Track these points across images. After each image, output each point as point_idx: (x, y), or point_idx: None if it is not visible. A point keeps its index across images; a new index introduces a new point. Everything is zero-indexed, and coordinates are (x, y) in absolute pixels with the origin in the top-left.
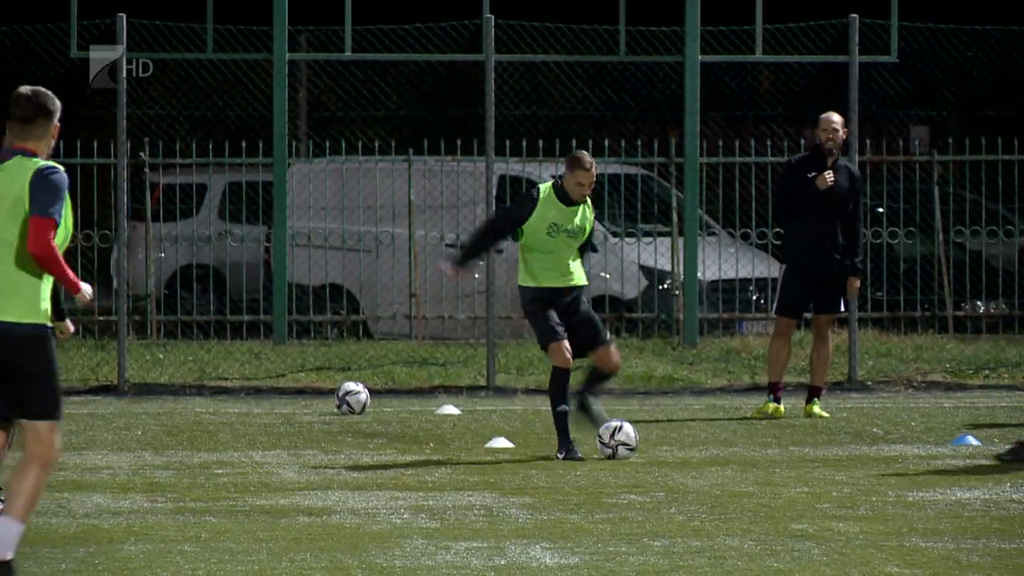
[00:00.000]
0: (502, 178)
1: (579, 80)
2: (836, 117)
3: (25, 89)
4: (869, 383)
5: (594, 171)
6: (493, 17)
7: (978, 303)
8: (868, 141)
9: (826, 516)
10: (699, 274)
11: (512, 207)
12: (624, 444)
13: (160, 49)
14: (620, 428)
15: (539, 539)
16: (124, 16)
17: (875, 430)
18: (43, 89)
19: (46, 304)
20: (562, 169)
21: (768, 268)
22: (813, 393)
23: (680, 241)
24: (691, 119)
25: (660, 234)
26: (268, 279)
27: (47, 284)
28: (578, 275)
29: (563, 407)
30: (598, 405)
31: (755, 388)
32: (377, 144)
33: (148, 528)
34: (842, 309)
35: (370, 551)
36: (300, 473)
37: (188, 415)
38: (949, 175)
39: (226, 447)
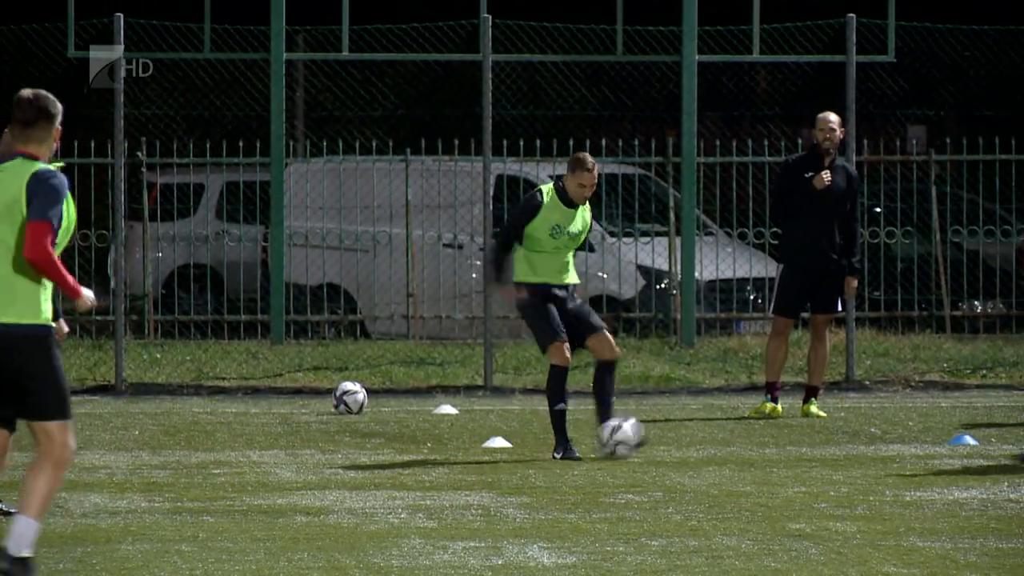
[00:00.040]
0: (499, 178)
1: (576, 80)
2: (833, 117)
3: (26, 92)
4: (867, 383)
5: (596, 173)
6: (490, 17)
7: (975, 303)
8: (865, 141)
9: (823, 516)
10: (696, 274)
11: (518, 214)
12: (623, 443)
13: (157, 49)
14: (619, 427)
15: (537, 539)
16: (121, 16)
17: (872, 430)
18: (44, 92)
19: (47, 305)
20: (560, 169)
21: (765, 268)
22: (810, 393)
23: (677, 241)
24: (688, 119)
25: (657, 234)
26: (265, 279)
27: (48, 285)
28: (572, 274)
29: (560, 406)
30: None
31: (753, 388)
32: (374, 144)
33: (146, 528)
34: (839, 309)
35: (368, 551)
36: (298, 473)
37: (185, 415)
38: (946, 175)
39: (223, 447)
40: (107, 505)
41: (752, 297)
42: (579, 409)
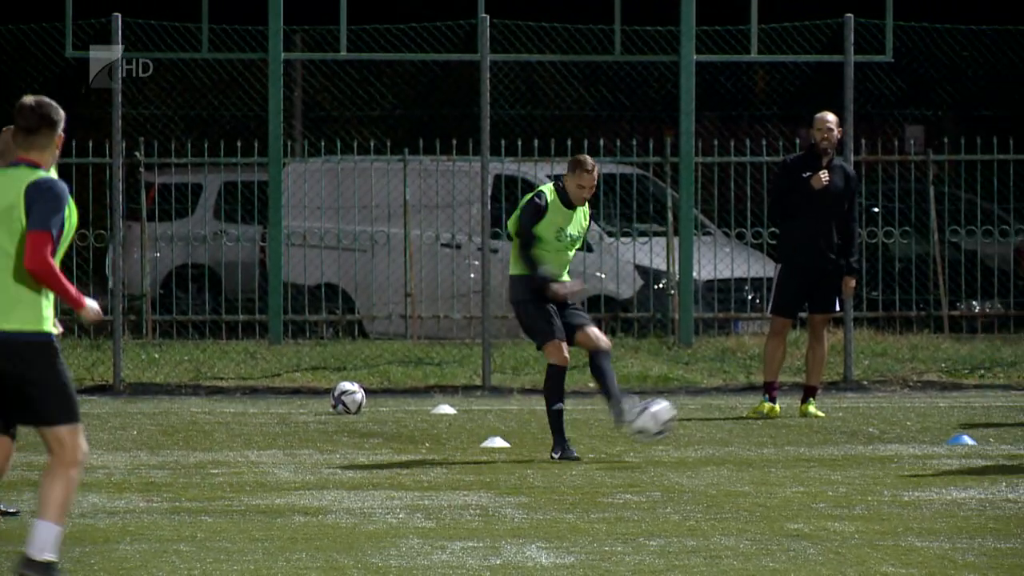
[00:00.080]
0: (497, 178)
1: (574, 80)
2: (831, 117)
3: (29, 99)
4: (865, 383)
5: (595, 174)
6: (488, 17)
7: (973, 303)
8: (863, 141)
9: (822, 516)
10: (695, 274)
11: (527, 220)
12: (641, 432)
13: (155, 49)
14: (645, 410)
15: (535, 539)
16: (119, 16)
17: (871, 430)
18: (47, 99)
19: (49, 312)
20: (558, 169)
21: (763, 268)
22: (808, 393)
23: (675, 241)
24: (686, 119)
25: (655, 234)
26: (264, 279)
27: (50, 292)
28: (565, 273)
29: (558, 406)
30: (633, 413)
31: (751, 388)
32: (372, 144)
33: (144, 528)
34: (838, 309)
35: (366, 551)
36: (296, 473)
37: (184, 415)
38: (944, 175)
39: (222, 447)
40: (105, 505)
41: (750, 297)
42: (577, 409)
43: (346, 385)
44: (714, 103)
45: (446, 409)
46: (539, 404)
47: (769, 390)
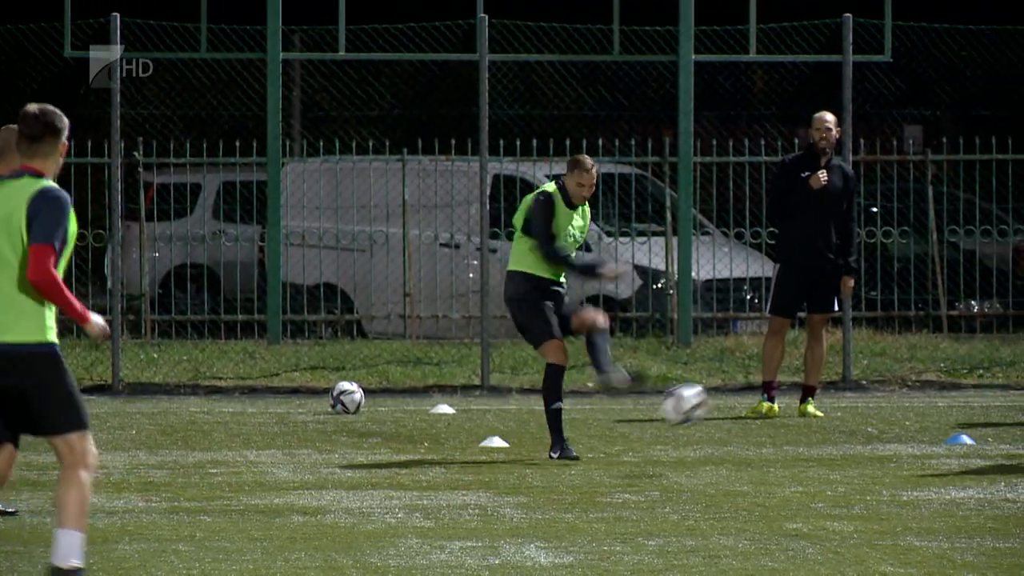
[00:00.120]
0: (496, 177)
1: (573, 80)
2: (829, 116)
3: (33, 107)
4: (863, 382)
5: (595, 172)
6: (487, 17)
7: (972, 303)
8: (862, 141)
9: (820, 515)
10: (693, 274)
11: (542, 219)
12: (665, 419)
13: (154, 48)
14: (672, 394)
15: (534, 538)
16: (118, 16)
17: (869, 429)
18: (51, 107)
19: (51, 321)
20: (556, 169)
21: (762, 267)
22: (807, 392)
23: (674, 240)
24: (685, 119)
25: (654, 233)
26: (262, 278)
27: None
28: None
29: (557, 405)
30: (619, 371)
31: (749, 387)
32: (371, 143)
33: (143, 527)
34: (836, 309)
35: (365, 550)
36: (295, 472)
37: (182, 414)
38: (943, 174)
39: (220, 446)
40: (104, 505)
41: (749, 297)
42: (576, 409)
43: (345, 385)
44: (713, 103)
45: (445, 409)
46: (538, 404)
47: (768, 390)
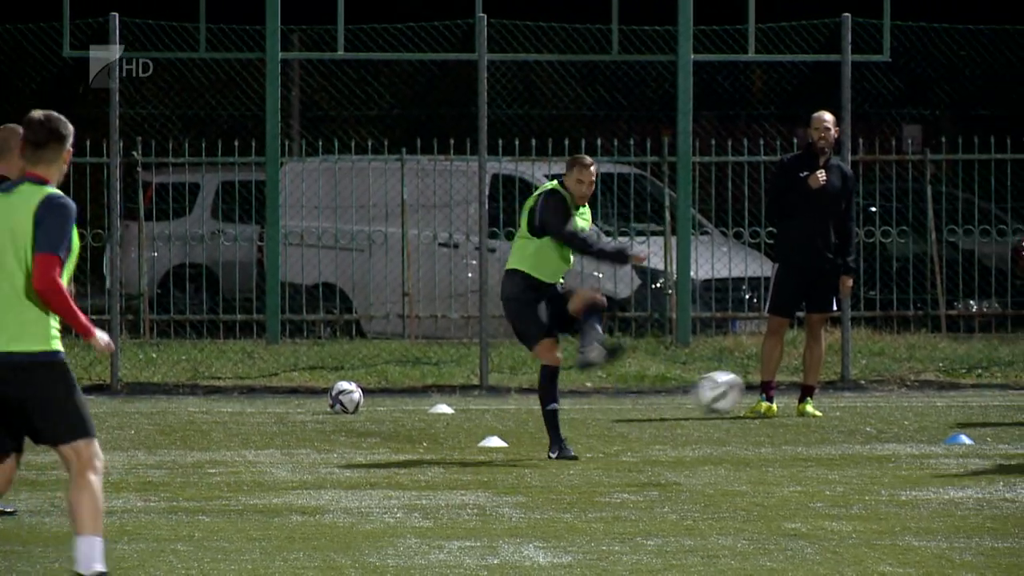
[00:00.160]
0: (495, 177)
1: (572, 79)
2: (828, 116)
3: (37, 113)
4: (862, 382)
5: (594, 170)
6: (486, 16)
7: (971, 302)
8: (861, 140)
9: (819, 515)
10: (692, 273)
11: (560, 213)
12: (736, 387)
13: (153, 48)
14: (706, 378)
15: (532, 538)
16: (117, 15)
17: (868, 429)
18: (55, 114)
19: (56, 331)
20: (555, 168)
21: (761, 267)
22: (806, 392)
23: (673, 240)
24: (684, 118)
25: (653, 233)
26: (261, 278)
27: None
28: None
29: (553, 406)
30: (595, 349)
31: (748, 387)
32: (370, 143)
33: (141, 527)
34: (835, 308)
35: (363, 550)
36: (293, 472)
37: (181, 414)
38: (942, 174)
39: (219, 446)
40: (103, 505)
41: (747, 296)
42: (575, 409)
43: (344, 385)
44: (712, 103)
45: (444, 409)
46: (536, 404)
47: (766, 389)
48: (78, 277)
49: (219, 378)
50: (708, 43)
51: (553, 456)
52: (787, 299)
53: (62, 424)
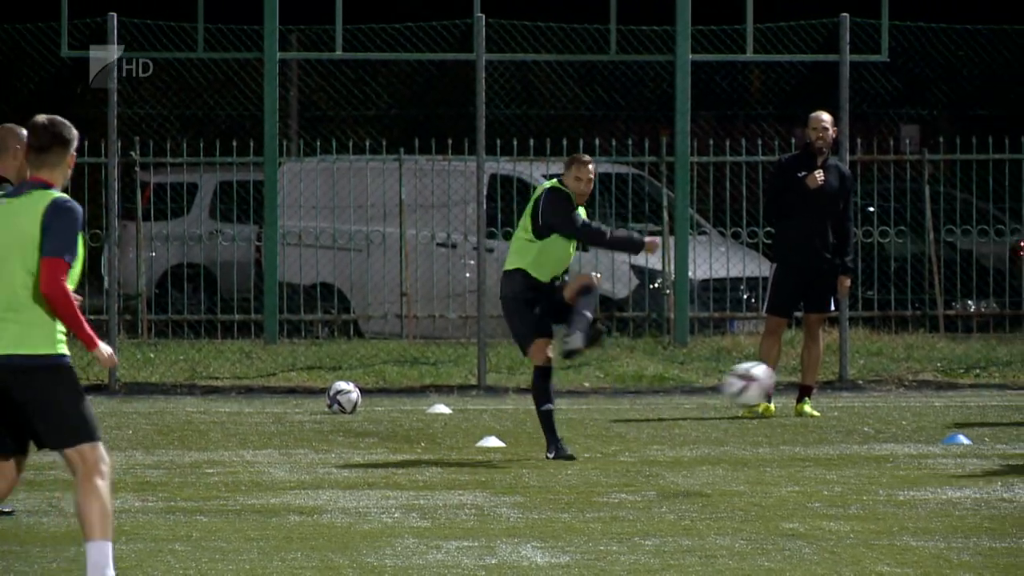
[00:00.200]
0: (493, 177)
1: (570, 79)
2: (826, 116)
3: (41, 118)
4: (860, 382)
5: (592, 167)
6: (484, 16)
7: (969, 302)
8: (859, 140)
9: (817, 515)
10: (690, 273)
11: (567, 211)
12: (756, 380)
13: (151, 48)
14: (738, 367)
15: (530, 538)
16: (115, 15)
17: (866, 429)
18: (60, 118)
19: (61, 335)
20: (553, 168)
21: (759, 267)
22: (804, 392)
23: (671, 240)
24: (682, 118)
25: (651, 233)
26: (259, 278)
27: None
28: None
29: (547, 407)
30: (577, 338)
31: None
32: (368, 143)
33: (139, 527)
34: (833, 308)
35: (361, 550)
36: (291, 472)
37: (179, 414)
38: (940, 174)
39: (217, 446)
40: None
41: (745, 296)
42: (572, 408)
43: (342, 384)
44: (710, 102)
45: (441, 409)
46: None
47: None
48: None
49: (217, 378)
50: (706, 43)
51: (550, 456)
52: (785, 299)
53: (65, 428)
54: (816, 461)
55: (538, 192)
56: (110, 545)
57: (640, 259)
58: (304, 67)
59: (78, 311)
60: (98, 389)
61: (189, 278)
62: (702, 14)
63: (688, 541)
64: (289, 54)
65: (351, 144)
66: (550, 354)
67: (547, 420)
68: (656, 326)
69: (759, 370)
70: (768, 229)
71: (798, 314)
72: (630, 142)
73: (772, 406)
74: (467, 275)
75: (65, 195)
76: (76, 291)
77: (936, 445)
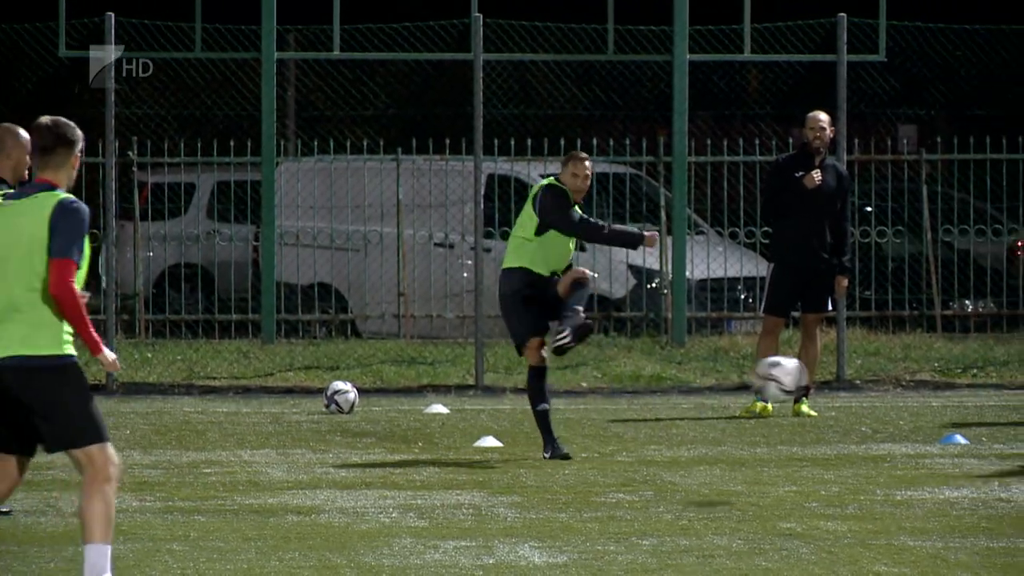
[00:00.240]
0: (490, 177)
1: (567, 79)
2: (823, 116)
3: (46, 119)
4: (857, 382)
5: (589, 164)
6: (481, 16)
7: (966, 302)
8: (856, 140)
9: (814, 515)
10: (687, 273)
11: (562, 206)
12: (776, 380)
13: (148, 48)
14: (778, 363)
15: (528, 538)
16: (112, 15)
17: (863, 429)
18: (64, 119)
19: (68, 335)
20: (551, 168)
21: (756, 267)
22: (801, 392)
23: (668, 240)
24: (679, 118)
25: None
26: (256, 278)
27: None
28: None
29: (543, 406)
30: (565, 335)
31: (743, 387)
32: (365, 143)
33: (137, 527)
34: (830, 308)
35: (359, 550)
36: (289, 472)
37: (177, 414)
38: (937, 174)
39: (215, 446)
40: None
41: (743, 296)
42: (570, 408)
43: (339, 384)
44: (707, 102)
45: (439, 408)
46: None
47: None
48: None
49: (215, 378)
50: (704, 43)
51: (547, 456)
52: (782, 299)
53: (72, 429)
54: (813, 461)
55: (535, 190)
56: (109, 549)
57: (639, 255)
58: (302, 67)
59: (85, 314)
60: (96, 389)
61: (187, 278)
62: (699, 14)
63: (685, 541)
64: (287, 54)
65: (349, 144)
66: (544, 354)
67: (543, 420)
68: (654, 326)
69: (776, 366)
70: (765, 229)
71: (795, 314)
72: (628, 142)
73: (769, 406)
74: (465, 275)
75: (72, 196)
76: (82, 290)
77: (933, 445)
